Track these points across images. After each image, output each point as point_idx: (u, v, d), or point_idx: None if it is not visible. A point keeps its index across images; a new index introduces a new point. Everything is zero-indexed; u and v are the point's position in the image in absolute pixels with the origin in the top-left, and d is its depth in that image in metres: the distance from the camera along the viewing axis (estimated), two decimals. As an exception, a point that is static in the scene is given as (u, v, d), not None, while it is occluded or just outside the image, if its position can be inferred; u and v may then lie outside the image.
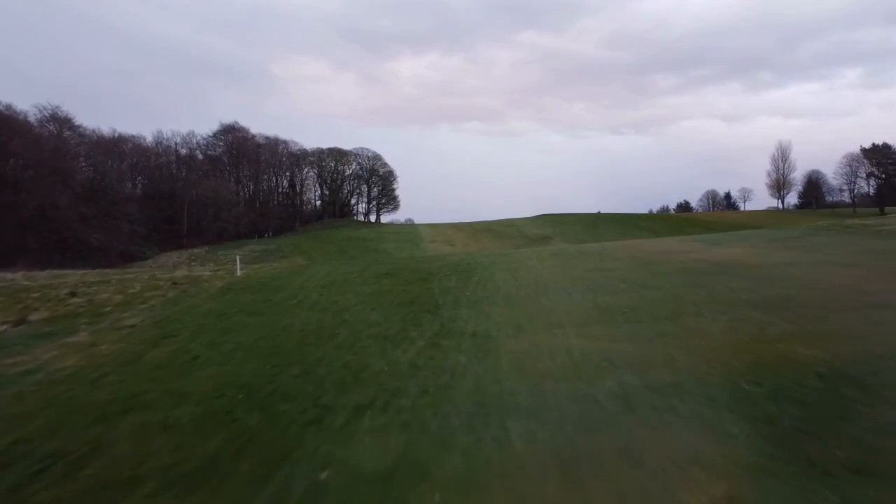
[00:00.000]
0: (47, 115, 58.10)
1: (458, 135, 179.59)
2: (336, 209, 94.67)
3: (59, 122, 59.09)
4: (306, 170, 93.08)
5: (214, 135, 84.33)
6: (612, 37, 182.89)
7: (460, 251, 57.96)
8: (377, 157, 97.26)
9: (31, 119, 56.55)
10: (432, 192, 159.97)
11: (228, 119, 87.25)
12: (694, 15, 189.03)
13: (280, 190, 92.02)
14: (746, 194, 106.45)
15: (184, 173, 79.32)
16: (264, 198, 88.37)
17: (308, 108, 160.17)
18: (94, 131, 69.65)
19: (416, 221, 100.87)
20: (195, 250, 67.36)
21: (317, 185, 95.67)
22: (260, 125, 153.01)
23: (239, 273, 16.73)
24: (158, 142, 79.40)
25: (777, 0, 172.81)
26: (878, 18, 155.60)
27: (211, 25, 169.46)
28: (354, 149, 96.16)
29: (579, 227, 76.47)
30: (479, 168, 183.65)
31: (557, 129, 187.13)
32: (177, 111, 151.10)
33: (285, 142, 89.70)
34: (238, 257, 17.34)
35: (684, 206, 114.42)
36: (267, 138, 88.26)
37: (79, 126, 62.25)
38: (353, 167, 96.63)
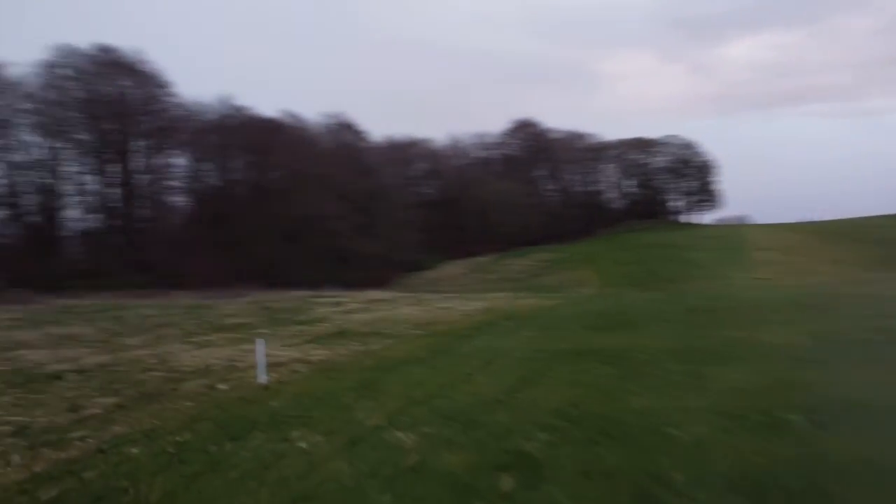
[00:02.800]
0: (333, 124, 61.86)
1: (798, 119, 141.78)
2: (642, 209, 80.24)
3: (344, 130, 62.91)
4: (608, 165, 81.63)
5: (508, 133, 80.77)
6: None
7: (800, 268, 36.95)
8: (690, 146, 78.16)
9: (320, 129, 61.02)
10: (767, 186, 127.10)
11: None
12: None
13: (578, 189, 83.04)
14: None
15: (478, 174, 77.51)
16: (561, 198, 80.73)
17: (628, 104, 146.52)
18: (385, 138, 71.72)
19: (754, 220, 79.38)
20: (480, 259, 63.69)
21: (619, 182, 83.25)
22: (577, 126, 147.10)
23: (262, 378, 8.12)
24: (453, 144, 79.16)
25: None
26: None
27: (528, 31, 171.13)
28: (663, 137, 79.59)
29: None
30: (824, 156, 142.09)
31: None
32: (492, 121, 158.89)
33: (581, 135, 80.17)
34: (262, 343, 8.51)
35: None
36: (562, 132, 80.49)
37: (361, 132, 64.95)
38: (663, 159, 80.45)
